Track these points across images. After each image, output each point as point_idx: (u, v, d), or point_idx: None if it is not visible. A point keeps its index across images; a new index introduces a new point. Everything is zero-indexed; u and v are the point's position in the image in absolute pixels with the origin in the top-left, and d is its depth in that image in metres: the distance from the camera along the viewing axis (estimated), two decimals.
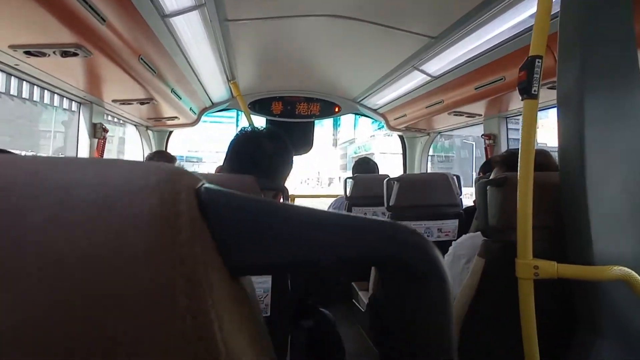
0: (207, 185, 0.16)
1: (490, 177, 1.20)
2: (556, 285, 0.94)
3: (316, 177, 46.03)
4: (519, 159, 0.93)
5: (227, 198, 0.16)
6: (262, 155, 0.96)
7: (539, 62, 0.93)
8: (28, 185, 0.14)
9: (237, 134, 1.01)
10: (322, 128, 3.57)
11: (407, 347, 0.19)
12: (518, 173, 0.93)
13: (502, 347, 1.06)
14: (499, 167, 1.24)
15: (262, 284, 0.82)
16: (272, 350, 0.21)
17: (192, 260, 0.14)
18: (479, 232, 1.18)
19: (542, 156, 1.12)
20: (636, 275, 0.86)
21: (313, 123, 3.29)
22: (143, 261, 0.14)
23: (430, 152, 3.50)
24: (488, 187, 1.07)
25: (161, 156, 2.36)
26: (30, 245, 0.13)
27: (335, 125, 4.47)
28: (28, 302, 0.13)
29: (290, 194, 0.90)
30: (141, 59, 1.52)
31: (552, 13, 0.95)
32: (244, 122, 3.33)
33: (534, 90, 0.93)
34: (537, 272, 0.90)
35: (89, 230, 0.14)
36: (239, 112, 3.38)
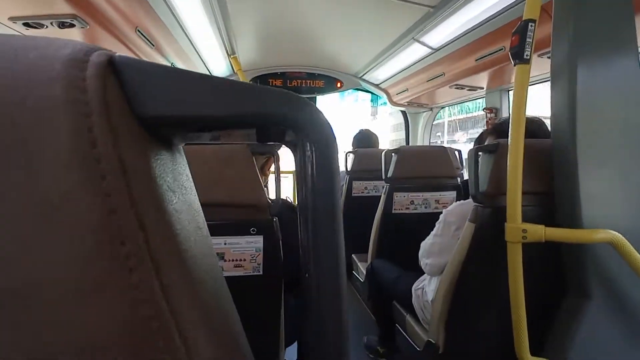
0: (120, 54, 0.18)
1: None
2: (546, 250, 0.96)
3: None
4: (509, 124, 0.93)
5: (141, 62, 0.19)
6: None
7: (531, 26, 0.92)
8: None
9: None
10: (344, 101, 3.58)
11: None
12: (509, 138, 0.93)
13: (492, 309, 1.09)
14: (491, 136, 1.25)
15: (254, 243, 0.86)
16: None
17: (95, 99, 0.17)
18: (468, 200, 1.19)
19: (534, 124, 1.13)
20: (622, 237, 0.88)
21: (315, 99, 3.28)
22: (44, 93, 0.16)
23: (455, 116, 3.43)
24: (480, 154, 1.08)
25: None
26: None
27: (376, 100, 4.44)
28: None
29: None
30: (138, 30, 1.53)
31: None
32: None
33: (526, 55, 0.93)
34: (526, 236, 0.92)
35: None
36: None
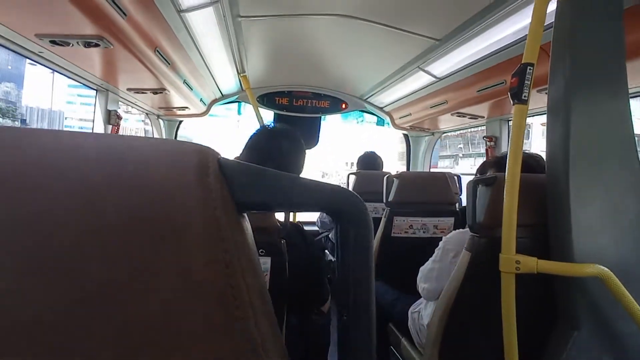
0: (223, 157, 0.26)
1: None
2: (539, 281, 0.99)
3: None
4: (507, 160, 0.99)
5: (238, 164, 0.26)
6: (278, 152, 1.05)
7: (530, 69, 0.98)
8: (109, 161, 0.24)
9: (257, 130, 1.10)
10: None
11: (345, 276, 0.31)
12: (506, 173, 0.98)
13: (485, 336, 1.13)
14: (492, 169, 1.31)
15: (262, 264, 0.90)
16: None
17: (215, 193, 0.24)
18: (467, 229, 1.24)
19: (533, 159, 1.18)
20: (611, 273, 0.92)
21: (320, 119, 3.35)
22: (188, 191, 0.23)
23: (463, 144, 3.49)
24: (479, 186, 1.13)
25: None
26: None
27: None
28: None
29: None
30: (157, 51, 1.60)
31: (548, 23, 1.01)
32: (245, 117, 3.44)
33: (524, 96, 0.99)
34: (519, 267, 0.96)
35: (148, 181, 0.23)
36: (240, 104, 3.45)
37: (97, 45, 1.32)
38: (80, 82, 1.95)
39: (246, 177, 0.26)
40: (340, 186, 0.30)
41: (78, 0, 1.09)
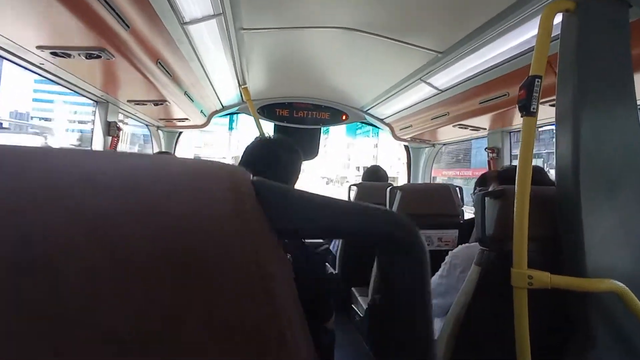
0: (257, 177, 0.23)
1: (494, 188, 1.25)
2: (551, 295, 0.97)
3: None
4: (517, 173, 0.97)
5: (274, 186, 0.23)
6: (276, 163, 1.04)
7: (538, 81, 0.98)
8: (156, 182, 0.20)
9: (254, 141, 1.09)
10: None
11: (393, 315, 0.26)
12: (515, 186, 0.97)
13: (497, 351, 1.09)
14: (494, 182, 1.29)
15: None
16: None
17: (254, 223, 0.20)
18: (474, 243, 1.22)
19: (537, 172, 1.17)
20: (627, 288, 0.90)
21: (320, 130, 3.35)
22: (224, 222, 0.19)
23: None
24: (486, 199, 1.11)
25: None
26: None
27: None
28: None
29: None
30: (159, 62, 1.59)
31: (554, 34, 1.00)
32: (240, 129, 3.44)
33: (533, 108, 0.98)
34: (532, 282, 0.94)
35: (187, 203, 0.20)
36: (232, 119, 3.45)
37: (98, 56, 1.31)
38: (81, 94, 1.94)
39: (285, 202, 0.23)
40: (387, 209, 0.26)
41: (80, 11, 1.08)
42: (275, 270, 0.21)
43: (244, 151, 1.09)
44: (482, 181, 1.48)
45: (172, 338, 0.17)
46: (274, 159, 1.05)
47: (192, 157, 0.25)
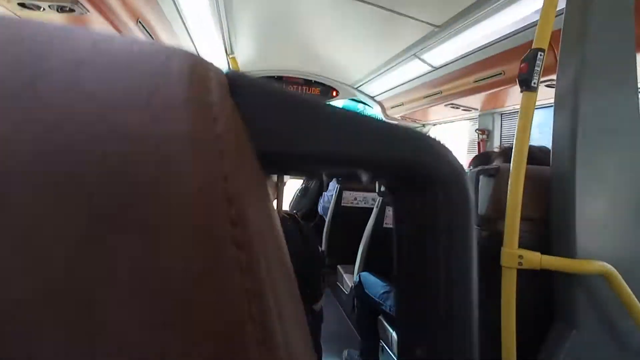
0: (231, 71, 0.15)
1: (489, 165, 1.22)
2: (538, 278, 0.96)
3: None
4: (513, 150, 0.94)
5: (258, 84, 0.15)
6: None
7: (541, 55, 0.93)
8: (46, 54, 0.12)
9: None
10: None
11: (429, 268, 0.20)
12: (511, 164, 0.94)
13: (482, 331, 1.09)
14: (499, 158, 1.26)
15: None
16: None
17: (230, 152, 0.12)
18: None
19: (542, 152, 1.14)
20: (615, 271, 0.89)
21: None
22: (181, 156, 0.12)
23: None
24: (480, 177, 1.08)
25: None
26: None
27: None
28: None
29: None
30: (139, 22, 1.48)
31: (557, 9, 0.96)
32: None
33: (534, 83, 0.94)
34: (521, 262, 0.93)
35: (123, 113, 0.11)
36: None
37: (71, 10, 1.20)
38: None
39: (275, 108, 0.15)
40: (416, 130, 0.19)
41: None
42: (253, 213, 0.13)
43: None
44: (478, 159, 1.44)
45: (80, 314, 0.10)
46: None
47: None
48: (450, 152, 0.19)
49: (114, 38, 0.13)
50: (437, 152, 0.18)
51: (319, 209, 2.88)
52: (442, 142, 0.19)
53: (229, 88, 0.14)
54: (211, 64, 0.14)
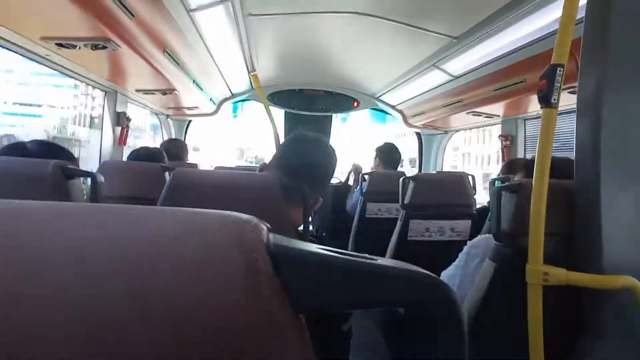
0: (272, 239, 0.19)
1: (511, 181, 1.21)
2: (562, 291, 0.95)
3: None
4: (535, 165, 0.93)
5: (293, 253, 0.19)
6: (316, 168, 1.01)
7: (560, 70, 0.92)
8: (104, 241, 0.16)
9: (289, 140, 1.08)
10: None
11: None
12: (533, 180, 0.93)
13: (508, 350, 1.08)
14: (521, 172, 1.25)
15: None
16: None
17: (273, 313, 0.16)
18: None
19: (567, 164, 1.12)
20: None
21: (331, 117, 3.30)
22: (234, 313, 0.16)
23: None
24: (502, 192, 1.08)
25: (174, 144, 2.35)
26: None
27: None
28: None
29: None
30: (166, 51, 1.57)
31: (577, 18, 0.95)
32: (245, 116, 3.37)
33: (554, 99, 0.93)
34: (547, 278, 0.91)
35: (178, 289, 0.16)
36: (236, 106, 3.39)
37: (104, 47, 1.29)
38: (89, 84, 1.93)
39: (306, 272, 0.18)
40: (419, 270, 0.22)
41: (84, 2, 1.06)
42: None
43: (280, 149, 1.07)
44: (509, 168, 1.43)
45: None
46: (313, 163, 1.02)
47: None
48: (451, 290, 0.22)
49: (177, 214, 0.17)
50: (441, 291, 0.22)
51: (348, 206, 2.82)
52: (437, 278, 0.22)
53: (270, 259, 0.18)
54: (256, 230, 0.18)
